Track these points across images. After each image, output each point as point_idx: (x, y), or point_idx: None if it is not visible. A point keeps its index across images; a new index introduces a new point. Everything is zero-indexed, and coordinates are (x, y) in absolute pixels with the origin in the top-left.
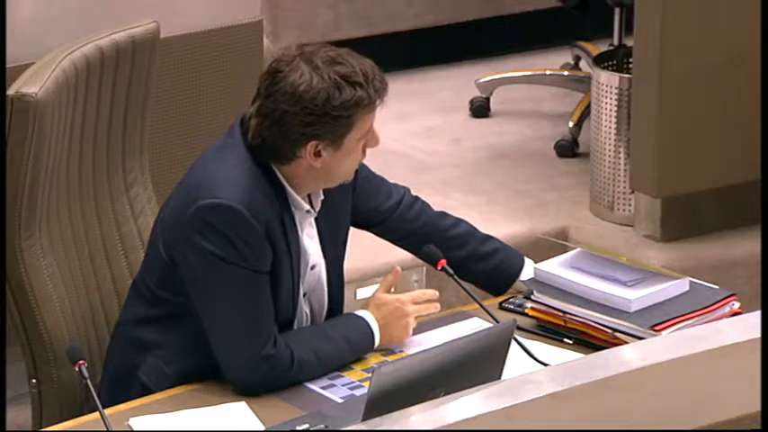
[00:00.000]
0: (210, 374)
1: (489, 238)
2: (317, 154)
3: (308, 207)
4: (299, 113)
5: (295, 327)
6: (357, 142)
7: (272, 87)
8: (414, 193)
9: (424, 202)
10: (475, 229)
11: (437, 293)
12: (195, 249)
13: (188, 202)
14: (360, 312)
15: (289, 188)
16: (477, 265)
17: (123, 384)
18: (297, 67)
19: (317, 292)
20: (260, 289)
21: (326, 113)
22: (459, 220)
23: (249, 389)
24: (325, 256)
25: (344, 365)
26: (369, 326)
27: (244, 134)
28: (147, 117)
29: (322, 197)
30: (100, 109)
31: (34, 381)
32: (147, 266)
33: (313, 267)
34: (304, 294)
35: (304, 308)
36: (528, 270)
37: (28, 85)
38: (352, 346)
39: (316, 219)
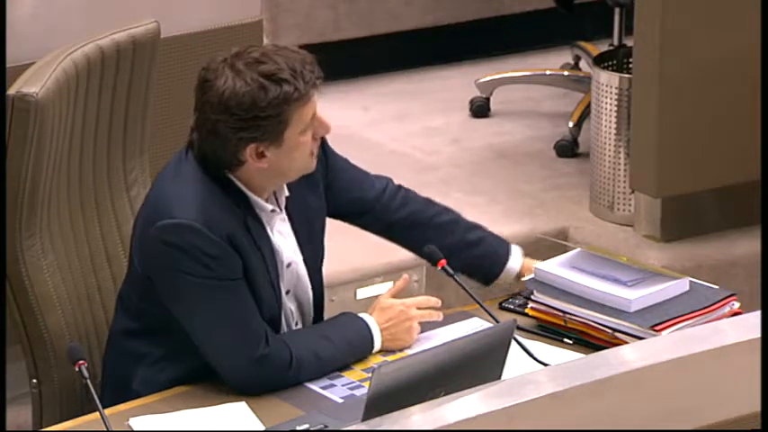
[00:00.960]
0: (206, 377)
1: (476, 226)
2: (261, 155)
3: (271, 207)
4: (229, 121)
5: (283, 325)
6: (300, 135)
7: (202, 98)
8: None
9: (408, 189)
10: (461, 216)
11: (440, 302)
12: (163, 269)
13: (148, 224)
14: (362, 315)
15: (248, 192)
16: (463, 253)
17: (121, 393)
18: (221, 74)
19: (300, 289)
20: (237, 295)
21: (255, 116)
22: (446, 209)
23: (250, 391)
24: (302, 252)
25: (344, 367)
26: (369, 329)
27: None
28: (148, 117)
29: (287, 193)
30: (100, 109)
31: (34, 381)
32: (128, 279)
33: (289, 265)
34: (287, 292)
35: (289, 305)
36: (516, 257)
37: (28, 85)
38: (353, 348)
39: (288, 216)
